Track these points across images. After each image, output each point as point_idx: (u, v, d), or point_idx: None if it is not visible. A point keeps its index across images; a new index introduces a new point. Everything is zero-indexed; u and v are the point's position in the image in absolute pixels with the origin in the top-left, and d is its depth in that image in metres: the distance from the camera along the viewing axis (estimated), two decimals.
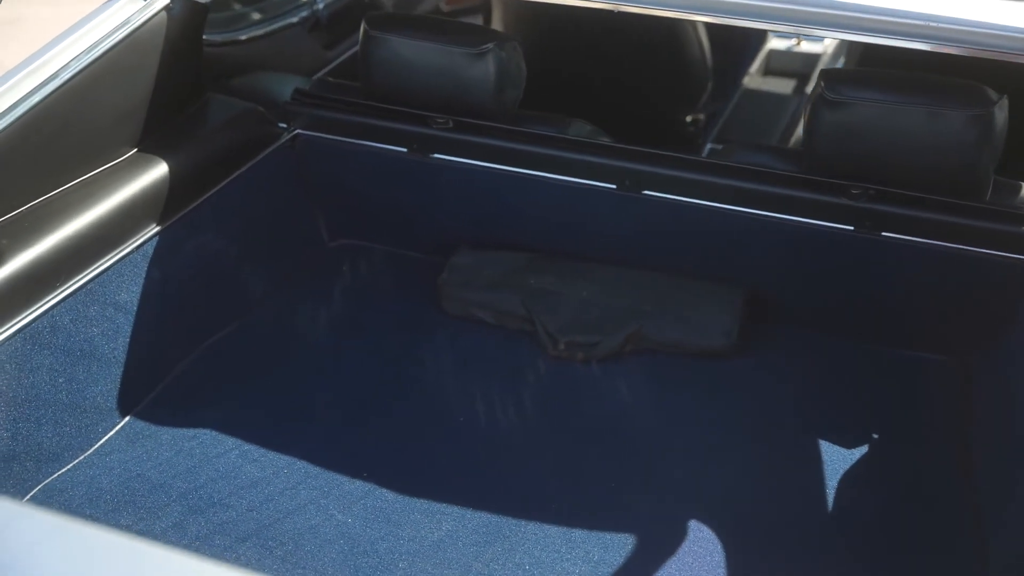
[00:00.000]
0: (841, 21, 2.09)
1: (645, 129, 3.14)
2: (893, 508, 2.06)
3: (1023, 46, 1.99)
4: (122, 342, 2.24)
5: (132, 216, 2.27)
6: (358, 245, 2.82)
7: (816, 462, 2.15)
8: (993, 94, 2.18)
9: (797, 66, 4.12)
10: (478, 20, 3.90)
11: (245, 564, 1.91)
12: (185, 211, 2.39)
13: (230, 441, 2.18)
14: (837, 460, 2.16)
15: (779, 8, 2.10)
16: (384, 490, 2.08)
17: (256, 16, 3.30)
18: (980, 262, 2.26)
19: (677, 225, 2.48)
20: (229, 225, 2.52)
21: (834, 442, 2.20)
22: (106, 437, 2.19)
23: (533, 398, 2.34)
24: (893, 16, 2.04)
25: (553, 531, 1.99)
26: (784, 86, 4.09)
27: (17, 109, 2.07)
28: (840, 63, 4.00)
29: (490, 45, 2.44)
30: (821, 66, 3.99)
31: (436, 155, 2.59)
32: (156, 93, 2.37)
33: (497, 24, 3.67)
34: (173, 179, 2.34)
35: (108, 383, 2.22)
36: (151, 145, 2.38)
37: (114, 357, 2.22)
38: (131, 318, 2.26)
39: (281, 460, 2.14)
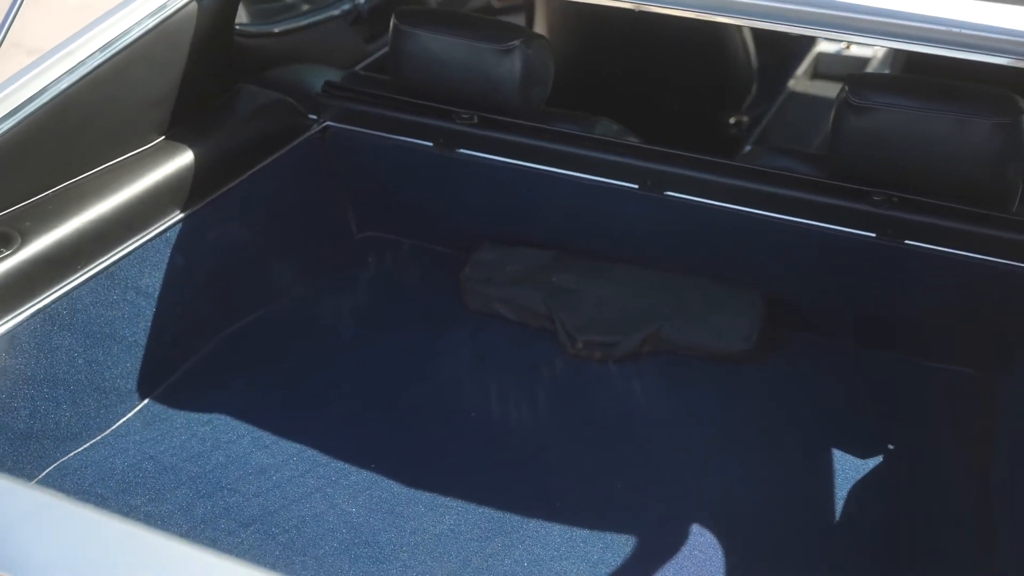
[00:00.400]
0: (884, 28, 2.03)
1: (688, 130, 3.12)
2: (901, 520, 2.02)
3: None
4: (143, 326, 2.28)
5: (157, 202, 2.31)
6: (385, 238, 2.83)
7: (827, 471, 2.12)
8: (1022, 103, 2.13)
9: (846, 70, 4.06)
10: (523, 18, 3.89)
11: (247, 548, 1.93)
12: (210, 199, 2.42)
13: (243, 427, 2.21)
14: (850, 470, 2.13)
15: (814, 12, 2.05)
16: (390, 481, 2.09)
17: (304, 7, 3.34)
18: (1005, 274, 2.21)
19: (699, 226, 2.46)
20: (255, 214, 2.54)
21: (848, 451, 2.16)
22: (123, 419, 2.23)
23: (546, 396, 2.34)
24: (943, 25, 1.97)
25: (555, 529, 1.99)
26: (831, 90, 4.02)
27: (46, 94, 2.11)
28: (887, 69, 3.94)
29: (516, 42, 2.44)
30: (870, 70, 3.93)
31: (462, 150, 2.60)
32: (185, 82, 2.40)
33: (540, 22, 3.66)
34: (199, 167, 2.38)
35: (127, 366, 2.25)
36: (179, 133, 2.41)
37: (134, 340, 2.26)
38: (153, 303, 2.29)
39: (291, 448, 2.16)
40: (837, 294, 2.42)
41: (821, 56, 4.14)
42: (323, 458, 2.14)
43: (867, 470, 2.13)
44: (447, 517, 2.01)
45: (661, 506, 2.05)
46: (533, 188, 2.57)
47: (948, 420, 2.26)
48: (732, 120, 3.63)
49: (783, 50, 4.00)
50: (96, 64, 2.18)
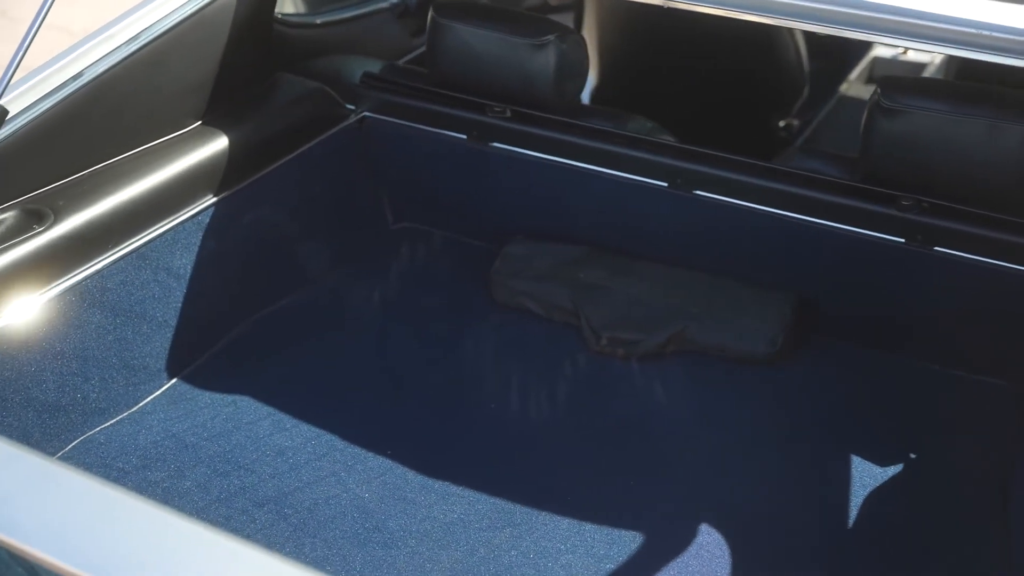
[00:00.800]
0: (932, 33, 1.97)
1: (737, 132, 3.10)
2: (916, 529, 1.99)
3: None
4: (173, 307, 2.32)
5: (192, 186, 2.35)
6: (420, 229, 2.86)
7: (844, 477, 2.10)
8: None
9: (902, 75, 4.01)
10: (571, 17, 3.89)
11: (259, 528, 1.97)
12: (244, 184, 2.45)
13: (264, 409, 2.25)
14: (868, 477, 2.10)
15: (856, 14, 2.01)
16: (405, 468, 2.11)
17: None
18: None
19: (727, 227, 2.45)
20: (289, 201, 2.58)
21: (867, 459, 2.14)
22: (150, 397, 2.27)
23: (567, 391, 2.34)
24: (1003, 33, 1.90)
25: (563, 523, 1.99)
26: None
27: (84, 76, 2.16)
28: (941, 75, 3.87)
29: (551, 37, 2.45)
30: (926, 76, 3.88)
31: (495, 144, 2.61)
32: (223, 68, 2.44)
33: (589, 18, 3.66)
34: (234, 153, 2.41)
35: (156, 345, 2.30)
36: (215, 119, 2.45)
37: (164, 320, 2.31)
38: (183, 284, 2.34)
39: (310, 431, 2.19)
40: (866, 299, 2.39)
41: (877, 60, 4.09)
42: (340, 443, 2.16)
43: (885, 478, 2.10)
44: (457, 506, 2.03)
45: (671, 505, 2.04)
46: (565, 183, 2.58)
47: (973, 430, 2.22)
48: (782, 123, 3.59)
49: (839, 54, 3.95)
50: (135, 48, 2.23)
